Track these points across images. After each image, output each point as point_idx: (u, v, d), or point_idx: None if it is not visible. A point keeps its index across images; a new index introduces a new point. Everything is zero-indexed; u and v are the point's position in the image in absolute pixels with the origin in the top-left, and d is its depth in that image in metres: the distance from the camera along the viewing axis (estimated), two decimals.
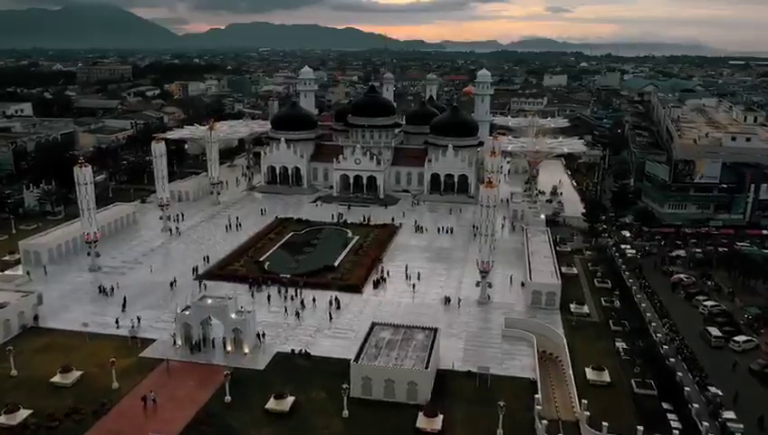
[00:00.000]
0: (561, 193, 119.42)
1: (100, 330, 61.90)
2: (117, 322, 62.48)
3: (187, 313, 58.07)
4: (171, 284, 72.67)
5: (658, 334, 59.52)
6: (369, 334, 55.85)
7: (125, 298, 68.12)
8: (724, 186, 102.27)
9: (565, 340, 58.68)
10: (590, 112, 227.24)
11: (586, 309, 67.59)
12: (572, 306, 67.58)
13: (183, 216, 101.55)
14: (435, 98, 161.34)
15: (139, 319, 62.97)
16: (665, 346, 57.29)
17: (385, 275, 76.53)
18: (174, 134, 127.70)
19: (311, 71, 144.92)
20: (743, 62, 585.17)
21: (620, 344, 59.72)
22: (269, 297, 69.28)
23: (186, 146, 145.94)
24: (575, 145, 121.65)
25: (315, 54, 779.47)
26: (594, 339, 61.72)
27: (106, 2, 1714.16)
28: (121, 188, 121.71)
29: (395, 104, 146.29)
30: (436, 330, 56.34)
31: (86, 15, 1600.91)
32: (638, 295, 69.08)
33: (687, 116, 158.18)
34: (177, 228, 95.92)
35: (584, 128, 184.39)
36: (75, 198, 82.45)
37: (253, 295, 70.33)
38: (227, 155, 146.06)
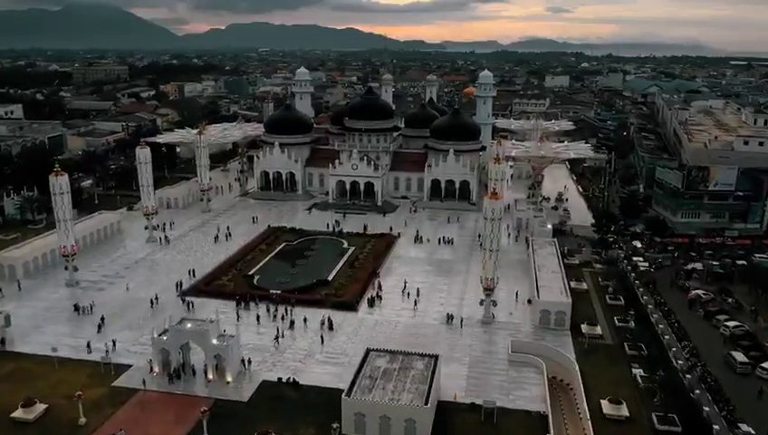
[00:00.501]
0: (567, 199, 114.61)
1: (71, 354, 56.96)
2: (88, 346, 57.46)
3: (165, 337, 53.11)
4: (152, 302, 67.57)
5: (680, 361, 54.53)
6: (363, 363, 50.85)
7: (102, 318, 63.18)
8: (740, 193, 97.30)
9: (577, 366, 53.75)
10: (594, 114, 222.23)
11: (599, 330, 62.59)
12: (584, 327, 62.57)
13: (172, 224, 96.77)
14: (435, 100, 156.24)
15: (114, 342, 58.09)
16: (687, 375, 52.31)
17: (380, 293, 71.31)
18: (163, 138, 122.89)
19: (306, 72, 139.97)
20: (744, 63, 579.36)
21: (638, 371, 54.69)
22: (258, 317, 64.15)
23: (178, 149, 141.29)
24: (582, 150, 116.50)
25: (315, 55, 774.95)
26: (608, 365, 56.74)
27: (106, 2, 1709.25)
28: (109, 195, 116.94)
29: (394, 106, 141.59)
30: (436, 358, 51.34)
31: (86, 16, 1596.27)
32: (655, 315, 64.05)
33: (695, 118, 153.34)
34: (165, 237, 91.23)
35: (588, 130, 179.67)
36: None
37: (239, 315, 65.27)
38: (221, 159, 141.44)
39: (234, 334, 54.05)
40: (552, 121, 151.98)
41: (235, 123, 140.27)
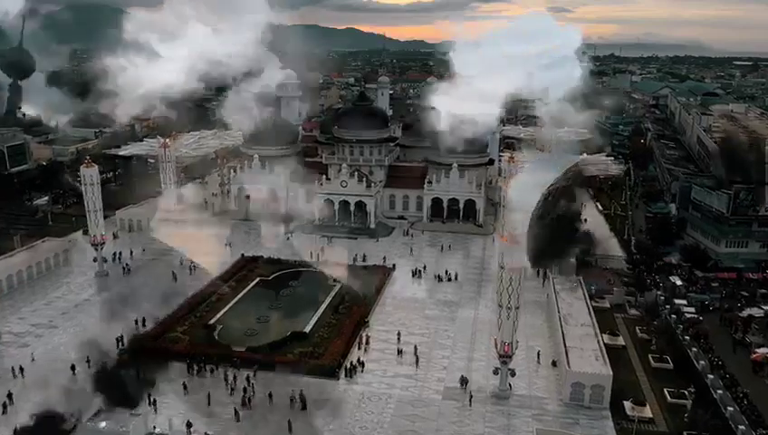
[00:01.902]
0: (586, 220, 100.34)
1: None
2: None
3: None
4: (73, 368, 52.88)
5: None
6: None
7: (9, 394, 49.27)
8: None
9: None
10: (604, 118, 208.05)
11: (648, 411, 48.71)
12: (628, 406, 48.65)
13: (132, 253, 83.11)
14: None
15: (15, 432, 44.33)
16: None
17: (367, 353, 57.63)
18: (128, 150, 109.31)
19: (294, 74, 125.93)
20: (750, 63, 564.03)
21: None
22: (209, 397, 49.77)
23: (151, 161, 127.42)
24: (606, 165, 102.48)
25: (315, 54, 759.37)
26: None
27: (106, 2, 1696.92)
28: (65, 214, 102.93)
29: (390, 111, 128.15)
30: None
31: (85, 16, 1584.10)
32: (719, 390, 50.00)
33: (719, 124, 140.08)
34: (127, 266, 77.87)
35: (602, 137, 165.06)
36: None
37: (186, 388, 51.22)
38: (203, 169, 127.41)
39: (167, 432, 40.37)
40: (566, 129, 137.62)
41: (212, 130, 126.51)
